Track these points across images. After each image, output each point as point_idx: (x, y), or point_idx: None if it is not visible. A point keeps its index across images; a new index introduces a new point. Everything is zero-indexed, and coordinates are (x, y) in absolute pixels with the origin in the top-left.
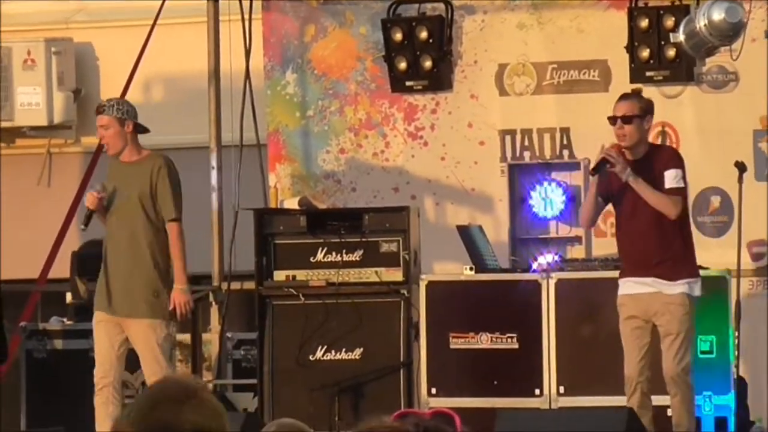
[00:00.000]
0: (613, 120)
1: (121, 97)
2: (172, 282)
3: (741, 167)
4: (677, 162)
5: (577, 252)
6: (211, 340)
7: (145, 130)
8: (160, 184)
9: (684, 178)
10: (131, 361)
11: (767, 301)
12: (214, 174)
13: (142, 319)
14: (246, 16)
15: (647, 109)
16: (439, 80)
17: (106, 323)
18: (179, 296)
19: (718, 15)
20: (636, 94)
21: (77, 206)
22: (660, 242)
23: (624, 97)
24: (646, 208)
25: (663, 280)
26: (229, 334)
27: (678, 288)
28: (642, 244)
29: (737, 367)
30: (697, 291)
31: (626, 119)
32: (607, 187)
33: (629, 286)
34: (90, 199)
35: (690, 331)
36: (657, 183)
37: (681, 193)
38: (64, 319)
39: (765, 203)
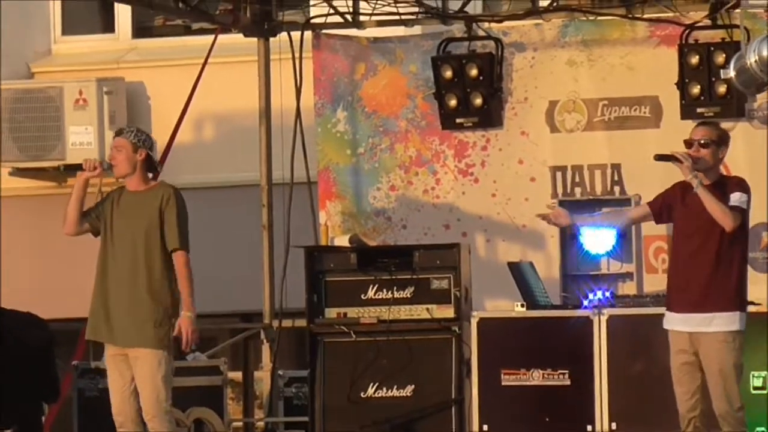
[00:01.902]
0: (689, 144)
1: (172, 136)
2: (175, 313)
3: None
4: (744, 188)
5: (628, 288)
6: (263, 377)
7: (155, 167)
8: (168, 213)
9: (748, 204)
10: (182, 399)
11: None
12: (264, 212)
13: (145, 349)
14: (296, 55)
15: (724, 138)
16: (490, 117)
17: (114, 356)
18: (186, 324)
19: None
20: (714, 123)
21: None
22: (707, 269)
23: (703, 123)
24: (700, 232)
25: (702, 313)
26: (280, 372)
27: (718, 322)
28: (690, 268)
29: None
30: (736, 325)
31: (703, 144)
32: (664, 206)
33: (674, 321)
34: (89, 164)
35: (736, 367)
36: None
37: (742, 212)
38: None
39: None
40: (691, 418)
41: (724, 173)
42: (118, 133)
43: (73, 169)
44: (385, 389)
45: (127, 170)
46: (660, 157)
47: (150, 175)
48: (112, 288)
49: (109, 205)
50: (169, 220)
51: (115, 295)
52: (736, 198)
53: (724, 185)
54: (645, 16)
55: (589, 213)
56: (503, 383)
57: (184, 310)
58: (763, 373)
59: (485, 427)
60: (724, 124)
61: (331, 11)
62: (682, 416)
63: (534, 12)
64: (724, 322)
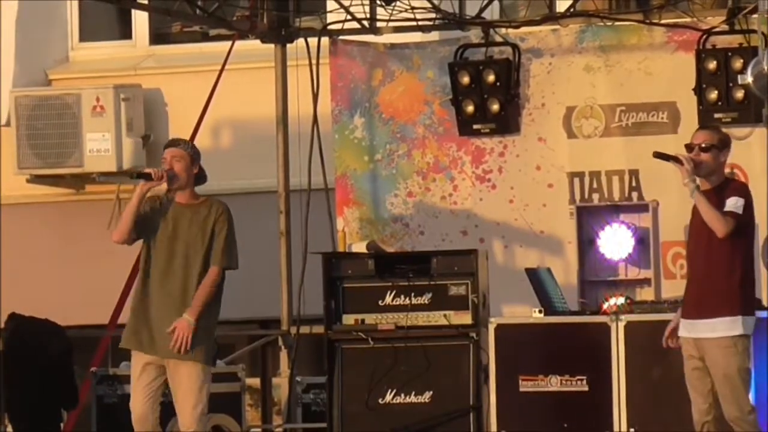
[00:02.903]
0: (690, 148)
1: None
2: (214, 326)
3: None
4: (741, 192)
5: (646, 294)
6: (281, 384)
7: (203, 180)
8: (219, 230)
9: (745, 208)
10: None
11: None
12: (282, 218)
13: (190, 362)
14: (314, 61)
15: (725, 142)
16: (507, 123)
17: (149, 365)
18: (184, 326)
19: None
20: (716, 127)
21: None
22: (713, 277)
23: (704, 127)
24: (699, 238)
25: (704, 319)
26: (298, 378)
27: (719, 328)
28: (697, 277)
29: None
30: (739, 329)
31: (704, 148)
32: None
33: (682, 327)
34: (157, 174)
35: (741, 371)
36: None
37: (736, 217)
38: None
39: None
40: (704, 423)
41: (734, 178)
42: (174, 143)
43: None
44: (403, 395)
45: (184, 181)
46: (659, 155)
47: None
48: (159, 298)
49: (160, 217)
50: (218, 238)
51: (161, 306)
52: (731, 203)
53: (725, 189)
54: (662, 21)
55: (608, 219)
56: (521, 389)
57: (188, 314)
58: None
59: None
60: (742, 130)
61: (348, 17)
62: (696, 421)
63: (551, 18)
64: (726, 327)
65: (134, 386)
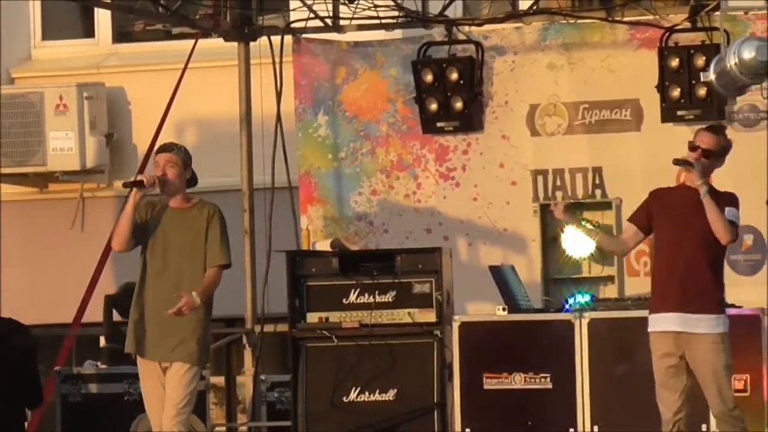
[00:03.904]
0: (693, 147)
1: (153, 141)
2: (207, 329)
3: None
4: (737, 204)
5: (609, 291)
6: (245, 382)
7: (195, 183)
8: (212, 230)
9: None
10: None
11: None
12: (246, 217)
13: (184, 363)
14: (277, 59)
15: (727, 149)
16: (470, 121)
17: (152, 371)
18: (190, 301)
19: (748, 54)
20: (721, 130)
21: (110, 250)
22: (699, 275)
23: (711, 129)
24: (694, 239)
25: (693, 314)
26: (262, 377)
27: (706, 325)
28: (681, 274)
29: None
30: (722, 327)
31: (706, 153)
32: (648, 217)
33: (660, 322)
34: (149, 180)
35: (727, 368)
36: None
37: (737, 227)
38: (99, 363)
39: None
40: (676, 421)
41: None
42: (167, 149)
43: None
44: (367, 393)
45: (178, 187)
46: (678, 162)
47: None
48: (156, 303)
49: (154, 222)
50: (212, 237)
51: (157, 310)
52: (732, 213)
53: (717, 197)
54: (625, 19)
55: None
56: (485, 387)
57: (195, 292)
58: (745, 376)
59: (467, 431)
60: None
61: (312, 16)
62: (667, 420)
63: (514, 15)
64: (715, 324)
65: (147, 394)
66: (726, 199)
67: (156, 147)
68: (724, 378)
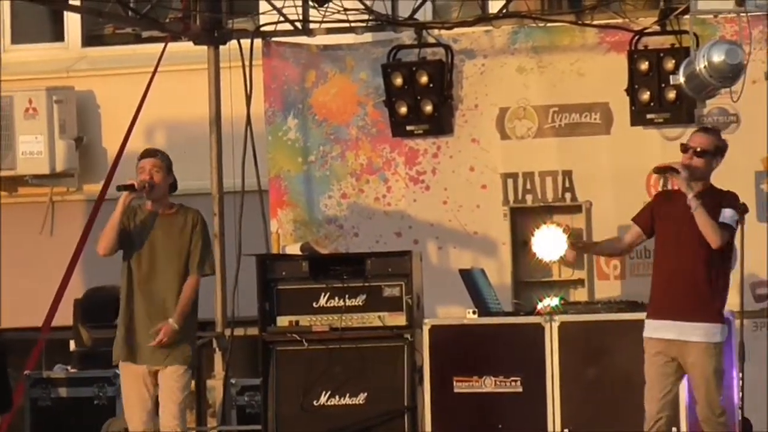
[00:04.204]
0: (685, 149)
1: (122, 145)
2: (195, 331)
3: (743, 209)
4: (736, 205)
5: (579, 295)
6: (215, 386)
7: (175, 188)
8: (196, 239)
9: (737, 222)
10: None
11: None
12: (216, 220)
13: (177, 366)
14: (247, 62)
15: (722, 148)
16: (440, 124)
17: (139, 376)
18: (168, 330)
19: (718, 57)
20: (716, 131)
21: (80, 254)
22: (695, 282)
23: (704, 130)
24: (688, 244)
25: (689, 322)
26: (233, 381)
27: (701, 333)
28: (674, 280)
29: (741, 408)
30: (718, 337)
31: (699, 153)
32: (651, 219)
33: (655, 329)
34: (140, 185)
35: (717, 374)
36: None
37: (730, 231)
38: (68, 367)
39: (767, 244)
40: (657, 420)
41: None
42: (152, 154)
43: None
44: (337, 397)
45: (162, 192)
46: (659, 170)
47: None
48: (142, 308)
49: (137, 227)
50: (195, 245)
51: (145, 315)
52: (727, 216)
53: (714, 196)
54: (594, 22)
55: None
56: (455, 390)
57: (172, 320)
58: None
59: None
60: (674, 130)
61: (281, 19)
62: (650, 417)
63: (484, 19)
64: (711, 333)
65: (129, 398)
66: (726, 200)
67: (141, 152)
68: (713, 383)
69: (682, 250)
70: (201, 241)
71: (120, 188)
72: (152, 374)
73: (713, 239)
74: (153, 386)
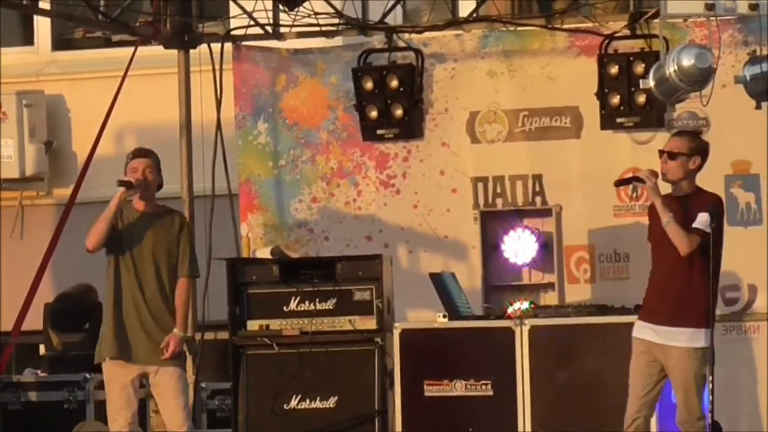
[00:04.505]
0: (660, 153)
1: (92, 149)
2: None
3: (713, 212)
4: (713, 208)
5: (550, 299)
6: None
7: (160, 188)
8: (184, 240)
9: (714, 227)
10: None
11: (741, 346)
12: None
13: (172, 367)
14: (217, 66)
15: (697, 148)
16: (411, 128)
17: (128, 378)
18: (176, 341)
19: (687, 61)
20: (692, 133)
21: (50, 258)
22: (671, 285)
23: (677, 134)
24: (669, 250)
25: (669, 327)
26: (203, 384)
27: (684, 338)
28: (658, 285)
29: (712, 412)
30: (701, 342)
31: (672, 155)
32: (649, 230)
33: (640, 330)
34: (137, 183)
35: (697, 378)
36: (688, 223)
37: (703, 236)
38: (38, 371)
39: (737, 248)
40: (635, 419)
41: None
42: (145, 153)
43: None
44: (308, 401)
45: (153, 191)
46: (620, 183)
47: None
48: (135, 308)
49: (125, 225)
50: (184, 248)
51: (136, 313)
52: (700, 220)
53: (698, 199)
54: (565, 26)
55: (512, 223)
56: (426, 394)
57: (177, 329)
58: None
59: None
60: (644, 134)
61: (251, 23)
62: (629, 416)
63: (454, 23)
64: (691, 338)
65: (114, 398)
66: (706, 203)
67: (132, 152)
68: (692, 387)
69: (663, 256)
70: (189, 244)
71: (121, 183)
72: (143, 376)
73: (681, 247)
74: (139, 388)
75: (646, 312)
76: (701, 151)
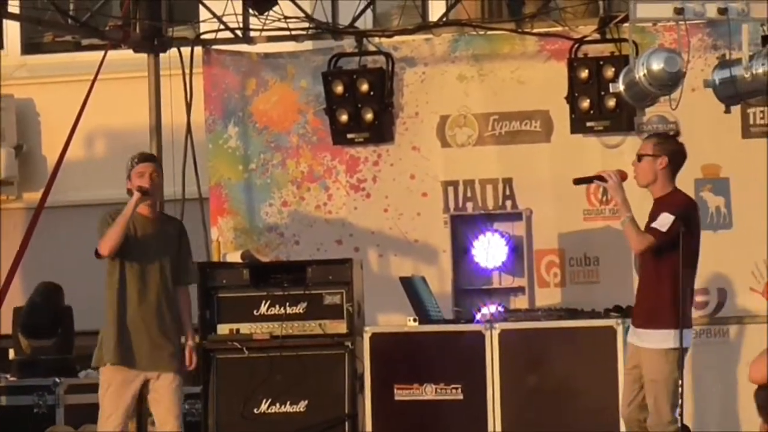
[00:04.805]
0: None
1: (62, 153)
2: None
3: (678, 215)
4: (675, 209)
5: (520, 302)
6: None
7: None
8: (185, 249)
9: (674, 226)
10: (75, 416)
11: (710, 350)
12: None
13: (174, 374)
14: (187, 70)
15: (664, 149)
16: (381, 132)
17: (128, 383)
18: (193, 350)
19: (657, 65)
20: (661, 134)
21: (20, 262)
22: (643, 288)
23: (646, 137)
24: (642, 255)
25: (641, 329)
26: None
27: (651, 339)
28: (638, 288)
29: (681, 415)
30: (670, 342)
31: (638, 157)
32: None
33: (629, 335)
34: (150, 188)
35: (666, 382)
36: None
37: (657, 236)
38: (8, 376)
39: (707, 252)
40: (628, 422)
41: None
42: (151, 158)
43: None
44: (278, 405)
45: (158, 198)
46: (579, 181)
47: None
48: (140, 313)
49: (130, 230)
50: (186, 256)
51: (139, 318)
52: (659, 220)
53: (667, 201)
54: (534, 30)
55: (482, 227)
56: (396, 398)
57: (190, 340)
58: None
59: None
60: (614, 138)
61: (221, 27)
62: (623, 421)
63: (424, 27)
64: (658, 339)
65: (111, 403)
66: (668, 205)
67: (137, 156)
68: (661, 391)
69: (641, 259)
70: (189, 251)
71: (139, 189)
72: (143, 381)
73: (631, 240)
74: (135, 394)
75: (632, 316)
76: (669, 151)
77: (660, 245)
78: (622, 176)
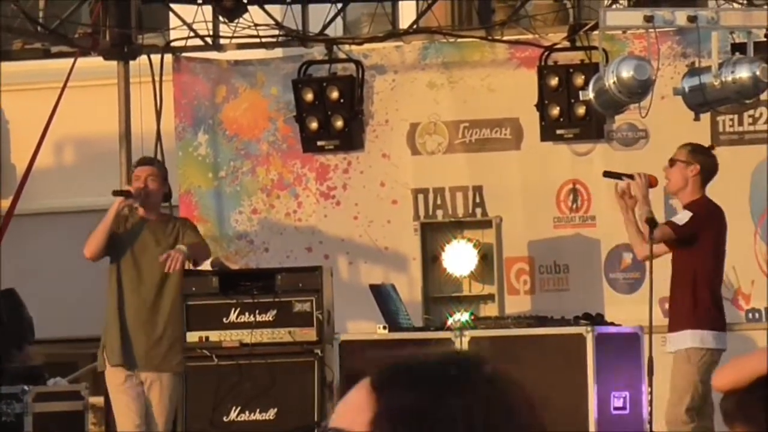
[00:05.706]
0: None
1: (31, 161)
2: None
3: (651, 223)
4: (696, 208)
5: (489, 310)
6: None
7: (169, 198)
8: (183, 229)
9: (692, 222)
10: (43, 424)
11: None
12: None
13: (172, 374)
14: (157, 78)
15: (695, 157)
16: (351, 140)
17: (131, 384)
18: (178, 254)
19: (626, 72)
20: (696, 145)
21: None
22: (673, 293)
23: (682, 144)
24: (672, 259)
25: (670, 333)
26: None
27: (676, 340)
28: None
29: (650, 423)
30: (688, 343)
31: (670, 162)
32: None
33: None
34: (136, 192)
35: (680, 379)
36: None
37: (674, 229)
38: None
39: None
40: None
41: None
42: (149, 162)
43: None
44: (247, 413)
45: (158, 200)
46: (609, 174)
47: None
48: (137, 314)
49: (129, 234)
50: (184, 232)
51: (141, 321)
52: (677, 216)
53: (690, 204)
54: (505, 38)
55: (452, 236)
56: None
57: (182, 245)
58: (624, 393)
59: None
60: (584, 146)
61: (191, 34)
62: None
63: (394, 34)
64: (680, 340)
65: (122, 408)
66: (689, 206)
67: (137, 160)
68: (675, 388)
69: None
70: (190, 233)
71: (116, 193)
72: (141, 382)
73: (632, 243)
74: (140, 394)
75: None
76: (701, 161)
77: (679, 238)
78: (652, 181)
